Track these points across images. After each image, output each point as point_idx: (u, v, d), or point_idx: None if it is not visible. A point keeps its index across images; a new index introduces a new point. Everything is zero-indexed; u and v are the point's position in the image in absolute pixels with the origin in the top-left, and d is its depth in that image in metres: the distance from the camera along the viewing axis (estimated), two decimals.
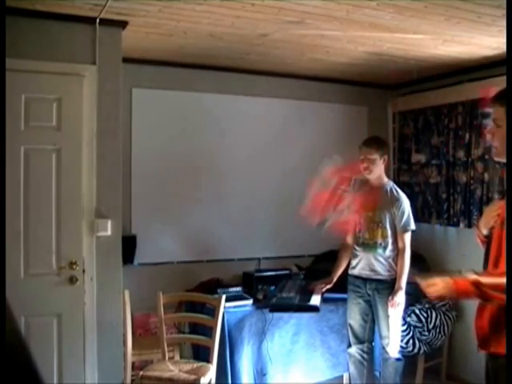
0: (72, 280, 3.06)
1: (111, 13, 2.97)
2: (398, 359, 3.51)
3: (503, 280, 1.70)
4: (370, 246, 3.53)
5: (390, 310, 3.40)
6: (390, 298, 3.39)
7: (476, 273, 1.81)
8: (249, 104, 4.53)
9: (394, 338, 3.46)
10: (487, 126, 2.88)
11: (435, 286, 1.87)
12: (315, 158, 4.72)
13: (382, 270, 3.50)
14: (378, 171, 3.56)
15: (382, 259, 3.50)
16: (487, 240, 1.99)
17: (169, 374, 3.22)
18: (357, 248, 3.60)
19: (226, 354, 3.53)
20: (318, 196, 3.59)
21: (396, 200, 3.51)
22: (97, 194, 3.14)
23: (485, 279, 1.77)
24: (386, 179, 3.64)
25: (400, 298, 3.39)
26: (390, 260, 3.49)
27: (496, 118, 1.91)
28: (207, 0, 2.76)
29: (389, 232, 3.49)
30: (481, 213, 3.23)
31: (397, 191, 3.56)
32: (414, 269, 3.49)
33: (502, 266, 1.79)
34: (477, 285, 1.77)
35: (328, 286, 3.74)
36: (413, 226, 3.50)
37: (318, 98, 4.77)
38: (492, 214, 1.98)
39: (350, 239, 3.69)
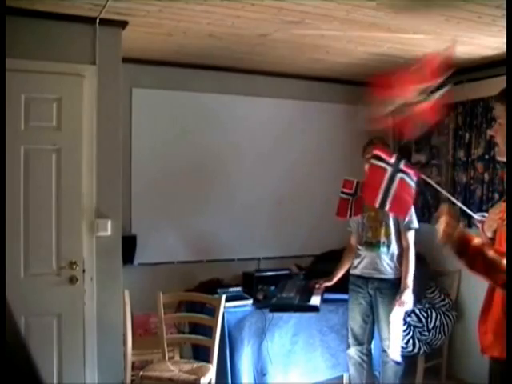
0: (72, 280, 3.06)
1: (111, 13, 2.97)
2: (397, 363, 3.48)
3: (503, 260, 1.71)
4: (373, 244, 3.53)
5: (394, 311, 3.39)
6: (398, 297, 3.37)
7: (483, 242, 1.79)
8: (249, 104, 4.52)
9: (394, 340, 3.45)
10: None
11: (450, 226, 1.83)
12: (315, 157, 4.74)
13: (385, 269, 3.49)
14: None
15: (385, 258, 3.50)
16: (492, 242, 2.00)
17: (169, 374, 3.22)
18: (360, 247, 3.60)
19: (226, 354, 3.53)
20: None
21: None
22: (97, 194, 3.14)
23: (486, 250, 1.75)
24: None
25: (407, 297, 3.38)
26: (394, 259, 3.49)
27: (498, 116, 1.93)
28: (207, 0, 2.76)
29: (392, 230, 3.49)
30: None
31: None
32: (414, 269, 3.49)
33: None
34: (475, 250, 1.76)
35: (327, 284, 3.75)
36: (416, 225, 3.50)
37: (318, 98, 4.77)
38: (494, 217, 2.00)
39: (354, 241, 3.69)
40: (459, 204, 2.94)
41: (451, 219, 1.83)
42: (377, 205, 3.00)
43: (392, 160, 3.00)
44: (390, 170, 2.97)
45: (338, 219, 3.72)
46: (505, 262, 1.73)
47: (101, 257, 3.14)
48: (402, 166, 2.96)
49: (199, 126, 4.35)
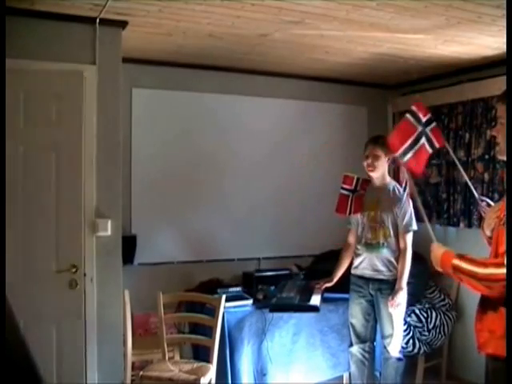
0: (72, 280, 3.04)
1: (111, 13, 2.97)
2: (398, 359, 3.50)
3: (482, 270, 1.80)
4: (372, 245, 3.52)
5: (390, 309, 3.40)
6: (390, 298, 3.38)
7: (462, 256, 1.91)
8: (249, 104, 4.53)
9: (395, 337, 3.45)
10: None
11: (435, 249, 2.07)
12: (315, 157, 4.74)
13: (384, 270, 3.49)
14: (382, 169, 3.55)
15: (384, 259, 3.49)
16: (491, 240, 2.01)
17: (169, 373, 3.21)
18: (359, 248, 3.60)
19: (226, 354, 3.53)
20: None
21: (398, 200, 3.50)
22: (97, 194, 3.13)
23: (465, 265, 1.86)
24: (388, 179, 3.63)
25: (400, 298, 3.39)
26: (393, 260, 3.49)
27: (500, 115, 1.94)
28: (207, 0, 2.76)
29: (391, 232, 3.49)
30: (480, 213, 3.25)
31: (399, 191, 3.56)
32: (413, 269, 3.49)
33: (495, 260, 1.86)
34: (456, 269, 1.90)
35: (327, 285, 3.75)
36: (415, 227, 3.49)
37: (318, 98, 4.77)
38: (493, 216, 2.02)
39: (352, 239, 3.69)
40: (472, 187, 3.11)
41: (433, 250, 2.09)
42: (398, 153, 3.16)
43: (424, 119, 3.16)
44: (419, 129, 3.15)
45: (338, 215, 3.72)
46: (481, 269, 1.80)
47: (101, 257, 3.14)
48: (429, 129, 3.10)
49: (199, 126, 4.35)
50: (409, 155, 3.12)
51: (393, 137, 3.26)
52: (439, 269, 2.04)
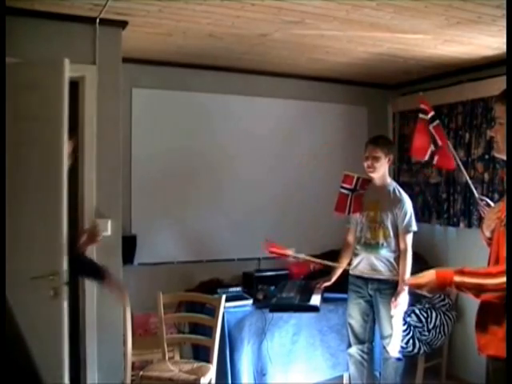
0: (52, 289, 2.90)
1: (111, 13, 2.97)
2: (398, 359, 3.50)
3: (491, 281, 1.76)
4: (371, 245, 3.52)
5: (393, 311, 3.39)
6: (393, 299, 3.37)
7: (462, 272, 1.85)
8: (249, 104, 4.52)
9: (394, 337, 3.45)
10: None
11: (419, 278, 1.97)
12: (315, 157, 4.74)
13: (384, 270, 3.49)
14: (382, 170, 3.55)
15: (384, 259, 3.49)
16: (491, 242, 2.01)
17: (169, 373, 3.22)
18: (358, 247, 3.59)
19: (226, 354, 3.53)
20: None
21: (398, 201, 3.50)
22: (97, 194, 3.13)
23: (469, 279, 1.81)
24: (389, 179, 3.63)
25: (402, 299, 3.38)
26: (392, 260, 3.49)
27: (498, 116, 1.94)
28: (207, 0, 2.76)
29: (391, 232, 3.48)
30: (480, 213, 3.26)
31: (399, 192, 3.55)
32: (414, 269, 3.49)
33: (500, 267, 1.82)
34: (459, 286, 1.84)
35: (326, 284, 3.75)
36: (415, 227, 3.49)
37: (318, 98, 4.77)
38: (493, 217, 2.01)
39: (351, 238, 3.69)
40: (472, 187, 3.15)
41: (417, 279, 1.99)
42: (426, 158, 3.36)
43: (429, 116, 3.34)
44: (430, 126, 3.35)
45: (337, 214, 3.72)
46: (489, 280, 1.77)
47: (101, 257, 3.13)
48: (432, 127, 3.16)
49: (199, 126, 4.35)
50: (437, 155, 3.19)
51: (415, 144, 3.30)
52: (437, 291, 1.97)
